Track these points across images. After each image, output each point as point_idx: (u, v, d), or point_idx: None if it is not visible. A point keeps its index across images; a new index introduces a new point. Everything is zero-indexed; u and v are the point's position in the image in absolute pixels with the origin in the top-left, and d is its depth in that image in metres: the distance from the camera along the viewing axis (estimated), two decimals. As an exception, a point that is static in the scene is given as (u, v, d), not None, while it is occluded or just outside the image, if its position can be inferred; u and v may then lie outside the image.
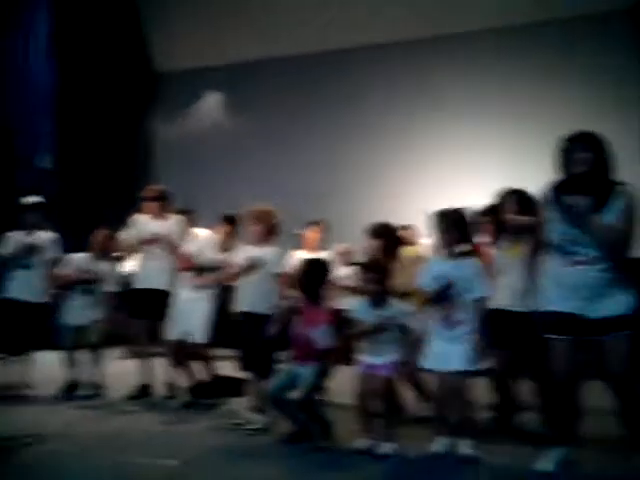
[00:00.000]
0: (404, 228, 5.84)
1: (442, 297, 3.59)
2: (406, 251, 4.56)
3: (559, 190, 3.23)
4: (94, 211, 8.14)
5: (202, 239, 5.24)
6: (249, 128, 8.83)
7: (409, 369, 4.15)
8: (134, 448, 3.92)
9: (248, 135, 8.77)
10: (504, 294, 4.00)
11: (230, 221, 5.50)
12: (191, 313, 4.92)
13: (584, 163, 3.12)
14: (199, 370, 5.11)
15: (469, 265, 3.61)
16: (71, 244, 5.82)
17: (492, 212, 4.33)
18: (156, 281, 5.26)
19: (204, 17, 8.58)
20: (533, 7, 7.33)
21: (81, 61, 8.46)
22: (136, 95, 9.27)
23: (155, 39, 9.14)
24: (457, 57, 7.91)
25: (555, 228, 3.21)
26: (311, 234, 6.02)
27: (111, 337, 5.78)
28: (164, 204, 5.38)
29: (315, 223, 6.09)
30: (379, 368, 3.74)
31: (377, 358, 3.75)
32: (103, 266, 5.49)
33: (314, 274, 3.98)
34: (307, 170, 8.25)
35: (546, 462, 3.21)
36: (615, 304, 3.09)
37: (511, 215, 4.04)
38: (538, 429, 3.92)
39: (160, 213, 5.35)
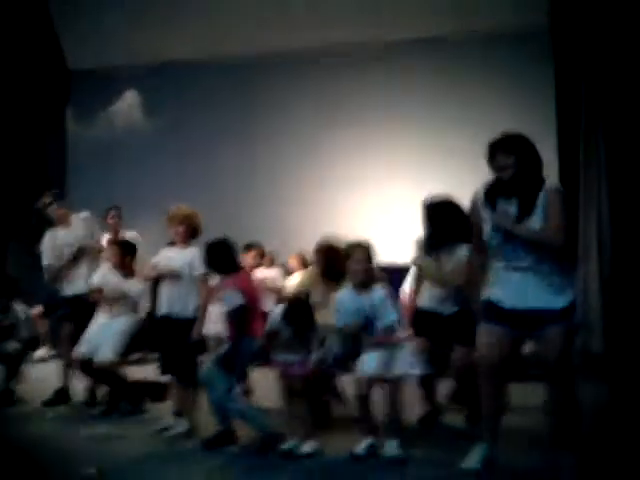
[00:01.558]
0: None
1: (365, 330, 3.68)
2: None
3: (488, 195, 3.28)
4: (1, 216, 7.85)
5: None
6: (167, 129, 8.55)
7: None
8: (53, 456, 3.79)
9: (166, 136, 8.49)
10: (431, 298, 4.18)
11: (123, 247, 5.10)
12: (102, 331, 4.75)
13: (506, 167, 3.16)
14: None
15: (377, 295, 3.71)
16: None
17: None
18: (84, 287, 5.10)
19: (119, 14, 8.28)
20: (455, 20, 7.47)
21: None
22: (48, 94, 8.86)
23: (68, 35, 8.77)
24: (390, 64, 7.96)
25: (490, 233, 3.25)
26: (247, 260, 5.59)
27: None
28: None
29: (248, 247, 5.72)
30: (296, 367, 3.78)
31: (293, 356, 3.79)
32: None
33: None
34: (226, 173, 8.09)
35: (472, 460, 3.23)
36: (553, 297, 3.14)
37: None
38: (462, 427, 4.05)
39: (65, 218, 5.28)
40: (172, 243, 4.60)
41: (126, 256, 4.90)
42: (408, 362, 3.67)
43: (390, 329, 3.66)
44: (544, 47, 7.22)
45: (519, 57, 7.30)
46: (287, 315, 3.84)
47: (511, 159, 3.14)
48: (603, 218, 6.59)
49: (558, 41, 7.07)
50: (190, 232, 4.37)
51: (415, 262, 4.35)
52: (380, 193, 7.62)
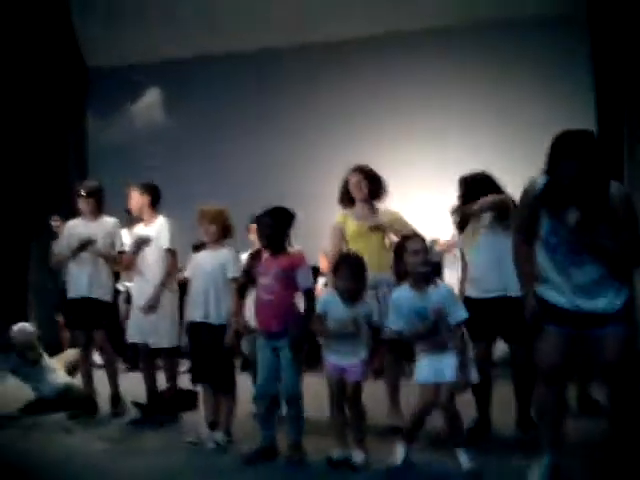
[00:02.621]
0: None
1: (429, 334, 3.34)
2: None
3: (545, 198, 2.98)
4: (22, 217, 7.69)
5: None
6: (187, 126, 8.38)
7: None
8: (80, 474, 3.56)
9: (187, 133, 8.33)
10: (475, 284, 3.98)
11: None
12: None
13: (572, 170, 2.84)
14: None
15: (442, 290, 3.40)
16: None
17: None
18: (88, 289, 4.86)
19: (139, 9, 8.17)
20: (481, 7, 7.24)
21: (7, 55, 7.90)
22: (67, 92, 8.69)
23: (87, 33, 8.64)
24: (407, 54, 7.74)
25: (547, 230, 2.99)
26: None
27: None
28: (99, 202, 5.00)
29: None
30: (349, 372, 3.48)
31: (346, 359, 3.49)
32: None
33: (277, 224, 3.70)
34: (250, 168, 7.93)
35: (535, 474, 3.00)
36: (610, 298, 2.93)
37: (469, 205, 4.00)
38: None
39: (94, 212, 4.98)
40: (200, 245, 4.37)
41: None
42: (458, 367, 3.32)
43: (459, 327, 3.34)
44: (582, 34, 6.92)
45: (555, 44, 7.01)
46: (341, 270, 3.53)
47: (577, 161, 2.83)
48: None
49: (596, 28, 6.76)
50: (222, 231, 4.10)
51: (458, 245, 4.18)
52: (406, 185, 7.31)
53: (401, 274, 3.47)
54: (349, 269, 3.53)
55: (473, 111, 7.29)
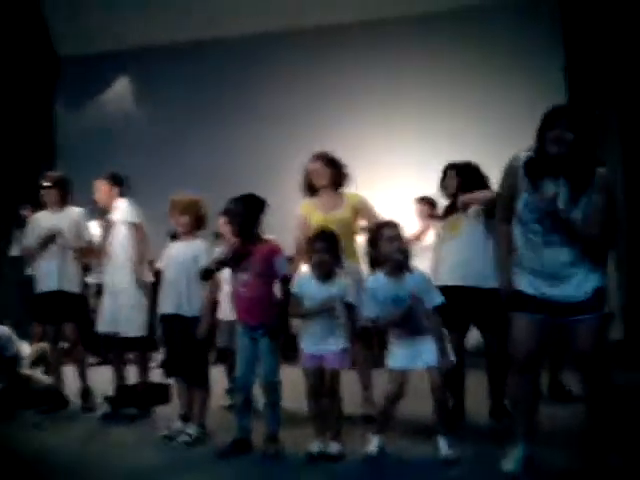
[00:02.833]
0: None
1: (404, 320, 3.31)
2: None
3: (530, 169, 2.97)
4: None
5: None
6: (158, 115, 8.28)
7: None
8: (51, 470, 3.48)
9: (157, 122, 8.22)
10: (453, 271, 3.96)
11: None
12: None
13: (561, 143, 2.85)
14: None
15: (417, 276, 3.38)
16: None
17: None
18: (57, 282, 4.77)
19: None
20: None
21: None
22: (36, 81, 8.51)
23: (56, 21, 8.44)
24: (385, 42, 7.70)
25: (524, 204, 2.98)
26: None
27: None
28: (64, 193, 4.92)
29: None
30: (327, 359, 3.43)
31: (323, 345, 3.43)
32: None
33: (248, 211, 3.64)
34: (225, 158, 7.79)
35: (511, 462, 3.01)
36: (584, 285, 2.93)
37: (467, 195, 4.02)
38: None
39: (59, 203, 4.89)
40: (174, 235, 4.30)
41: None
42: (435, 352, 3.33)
43: (435, 312, 3.33)
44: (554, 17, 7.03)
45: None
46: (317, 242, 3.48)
47: (571, 134, 2.84)
48: (618, 203, 6.32)
49: (567, 10, 6.82)
50: (195, 222, 4.02)
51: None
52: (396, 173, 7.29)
53: (375, 261, 3.45)
54: (323, 242, 3.48)
55: (453, 98, 7.32)
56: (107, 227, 4.83)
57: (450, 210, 4.16)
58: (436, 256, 4.21)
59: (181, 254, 3.99)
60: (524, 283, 3.03)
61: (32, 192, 5.19)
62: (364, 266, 3.82)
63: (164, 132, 8.14)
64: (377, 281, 3.39)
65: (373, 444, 3.37)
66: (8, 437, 4.16)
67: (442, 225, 4.22)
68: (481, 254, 3.86)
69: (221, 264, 3.72)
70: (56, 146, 8.67)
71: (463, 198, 4.04)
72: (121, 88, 8.72)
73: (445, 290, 3.54)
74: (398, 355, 3.36)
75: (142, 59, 8.36)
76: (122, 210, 4.80)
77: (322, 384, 3.46)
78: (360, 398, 4.18)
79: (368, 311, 3.41)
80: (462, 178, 4.11)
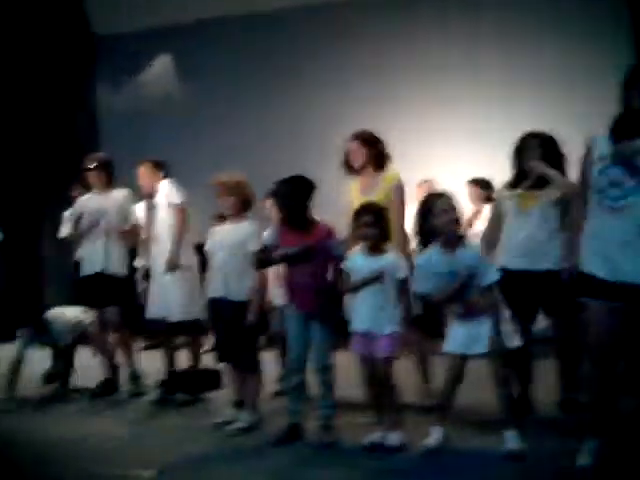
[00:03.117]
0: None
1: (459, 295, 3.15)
2: None
3: (617, 126, 2.82)
4: (32, 190, 7.55)
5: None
6: (200, 93, 8.09)
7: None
8: (102, 457, 3.44)
9: (199, 100, 8.04)
10: (518, 250, 3.65)
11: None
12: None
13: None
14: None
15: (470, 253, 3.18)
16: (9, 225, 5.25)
17: None
18: (102, 265, 4.74)
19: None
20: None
21: (13, 25, 7.65)
22: (75, 61, 8.46)
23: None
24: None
25: (598, 172, 2.82)
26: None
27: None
28: (108, 174, 4.87)
29: None
30: (378, 347, 3.25)
31: (374, 325, 3.26)
32: None
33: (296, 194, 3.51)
34: (267, 135, 7.63)
35: (585, 457, 2.82)
36: None
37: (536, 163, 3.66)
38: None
39: (104, 185, 4.85)
40: (222, 215, 4.17)
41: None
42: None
43: (490, 290, 3.15)
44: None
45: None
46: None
47: None
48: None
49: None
50: (241, 204, 3.88)
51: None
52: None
53: (426, 235, 3.27)
54: (368, 215, 3.32)
55: (508, 70, 6.93)
56: (151, 210, 4.76)
57: (518, 181, 3.78)
58: (493, 228, 3.88)
59: (229, 237, 3.87)
60: (594, 264, 2.82)
61: (79, 174, 5.15)
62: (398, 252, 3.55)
63: (206, 111, 7.97)
64: (430, 256, 3.23)
65: (433, 436, 3.22)
66: (57, 421, 4.18)
67: (508, 195, 3.82)
68: (554, 235, 3.59)
69: (285, 259, 3.56)
70: (98, 127, 8.62)
71: (543, 168, 3.66)
72: (161, 66, 8.59)
73: (510, 273, 3.33)
74: (456, 337, 3.21)
75: (182, 35, 8.16)
76: (165, 192, 4.73)
77: (375, 372, 3.32)
78: (418, 387, 4.04)
79: (420, 287, 3.27)
80: (544, 150, 3.72)
